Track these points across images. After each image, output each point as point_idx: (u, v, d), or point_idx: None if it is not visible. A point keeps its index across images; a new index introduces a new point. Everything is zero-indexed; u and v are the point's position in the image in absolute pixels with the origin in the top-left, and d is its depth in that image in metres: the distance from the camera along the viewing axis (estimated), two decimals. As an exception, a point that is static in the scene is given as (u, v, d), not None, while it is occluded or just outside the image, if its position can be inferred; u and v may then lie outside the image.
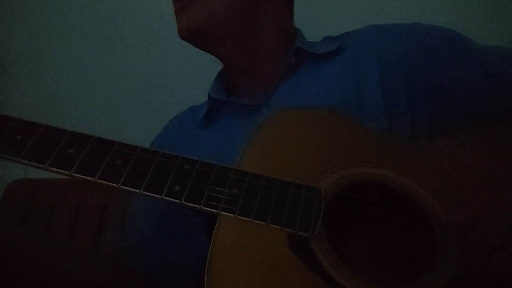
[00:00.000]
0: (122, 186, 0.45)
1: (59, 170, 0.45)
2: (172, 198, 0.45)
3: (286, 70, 0.68)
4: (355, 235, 0.50)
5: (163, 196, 0.45)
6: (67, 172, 0.45)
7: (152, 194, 0.45)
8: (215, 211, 0.44)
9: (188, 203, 0.45)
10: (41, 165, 0.45)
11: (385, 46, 0.64)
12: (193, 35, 0.66)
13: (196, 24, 0.65)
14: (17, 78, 1.27)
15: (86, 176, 0.45)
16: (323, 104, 0.60)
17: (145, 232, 0.67)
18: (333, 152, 0.52)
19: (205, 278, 0.41)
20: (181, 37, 0.67)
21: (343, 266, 0.42)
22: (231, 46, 0.68)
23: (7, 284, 0.50)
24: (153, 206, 0.69)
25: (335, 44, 0.68)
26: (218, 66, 0.76)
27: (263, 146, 0.52)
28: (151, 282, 0.65)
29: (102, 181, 0.45)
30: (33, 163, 0.45)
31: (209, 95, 0.73)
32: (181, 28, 0.66)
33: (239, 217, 0.44)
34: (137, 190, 0.45)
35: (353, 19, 1.14)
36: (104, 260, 0.64)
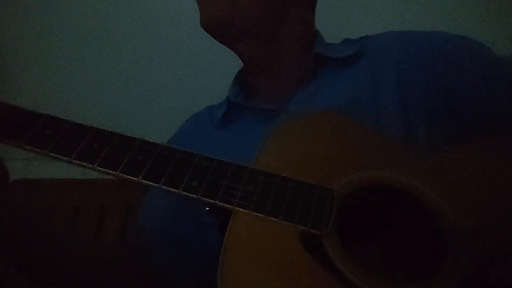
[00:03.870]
0: (142, 180, 0.47)
1: (83, 163, 0.47)
2: (189, 192, 0.47)
3: (305, 75, 0.68)
4: (366, 236, 0.51)
5: (180, 190, 0.47)
6: (91, 166, 0.47)
7: (170, 189, 0.47)
8: (230, 206, 0.46)
9: (204, 198, 0.47)
10: (67, 158, 0.47)
11: (404, 53, 0.64)
12: (216, 26, 0.66)
13: (220, 15, 0.65)
14: (18, 78, 1.29)
15: (109, 169, 0.47)
16: (337, 108, 0.61)
17: (159, 231, 0.69)
18: (346, 155, 0.53)
19: (218, 271, 0.42)
20: (203, 28, 0.67)
21: (353, 265, 0.43)
22: (253, 43, 0.68)
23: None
24: (167, 205, 0.70)
25: (354, 48, 0.68)
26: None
27: (278, 148, 0.54)
28: (164, 279, 0.66)
29: (124, 175, 0.47)
30: (59, 156, 0.48)
31: (227, 98, 0.74)
32: (204, 18, 0.66)
33: (253, 213, 0.46)
34: (156, 184, 0.47)
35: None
36: (118, 256, 0.66)
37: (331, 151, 0.53)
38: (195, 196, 0.47)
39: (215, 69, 1.13)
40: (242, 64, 0.77)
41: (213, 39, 0.71)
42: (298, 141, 0.55)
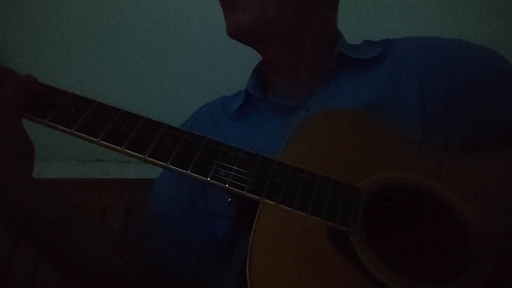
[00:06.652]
0: (170, 166, 0.46)
1: (111, 145, 0.46)
2: (217, 181, 0.46)
3: (326, 74, 0.68)
4: (390, 235, 0.51)
5: (209, 179, 0.46)
6: (118, 148, 0.46)
7: (198, 176, 0.46)
8: (258, 197, 0.46)
9: (232, 188, 0.46)
10: (94, 139, 0.46)
11: (426, 59, 0.64)
12: (243, 33, 0.66)
13: (247, 23, 0.65)
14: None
15: (137, 152, 0.46)
16: (364, 108, 0.61)
17: (168, 218, 0.68)
18: (371, 155, 0.53)
19: (247, 261, 0.41)
20: (230, 36, 0.67)
21: (381, 262, 0.43)
22: (278, 45, 0.68)
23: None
24: (178, 194, 0.70)
25: (377, 50, 0.68)
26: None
27: (303, 144, 0.54)
28: (166, 268, 0.65)
29: (152, 159, 0.46)
30: (86, 136, 0.46)
31: (246, 90, 0.74)
32: (231, 27, 0.66)
33: (281, 205, 0.45)
34: (184, 171, 0.46)
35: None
36: (123, 243, 0.64)
37: (356, 150, 0.53)
38: (223, 185, 0.46)
39: (220, 65, 1.12)
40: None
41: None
42: (323, 138, 0.55)
